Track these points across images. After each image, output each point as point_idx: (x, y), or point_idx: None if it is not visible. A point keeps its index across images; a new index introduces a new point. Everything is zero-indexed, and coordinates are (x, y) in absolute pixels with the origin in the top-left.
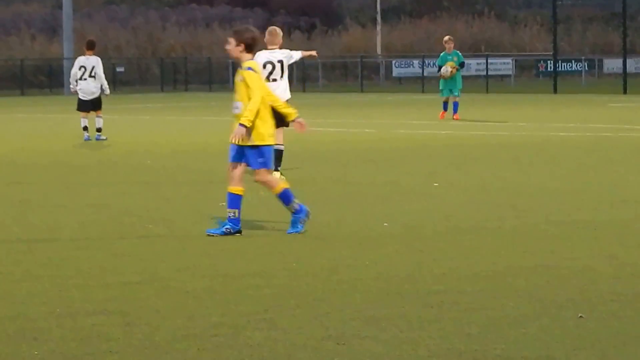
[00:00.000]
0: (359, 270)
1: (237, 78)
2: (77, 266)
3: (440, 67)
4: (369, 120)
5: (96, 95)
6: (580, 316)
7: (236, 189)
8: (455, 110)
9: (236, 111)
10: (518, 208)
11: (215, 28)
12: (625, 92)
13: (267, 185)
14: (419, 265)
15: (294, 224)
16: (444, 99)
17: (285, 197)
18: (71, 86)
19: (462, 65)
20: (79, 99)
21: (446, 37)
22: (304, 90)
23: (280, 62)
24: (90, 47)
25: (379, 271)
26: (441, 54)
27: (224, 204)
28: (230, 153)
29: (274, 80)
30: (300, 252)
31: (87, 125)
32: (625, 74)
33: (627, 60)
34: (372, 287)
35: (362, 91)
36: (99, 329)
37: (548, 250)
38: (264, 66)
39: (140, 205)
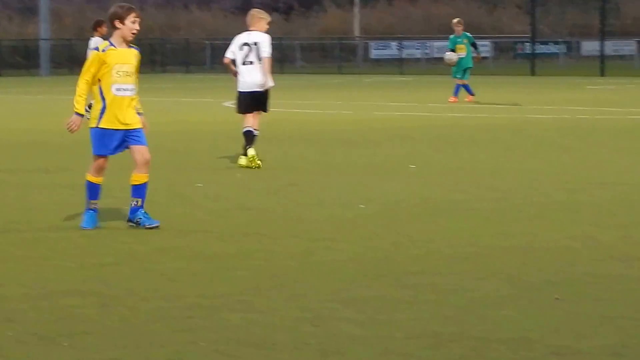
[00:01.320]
0: (336, 251)
1: (134, 60)
2: (53, 247)
3: (452, 51)
4: (346, 102)
5: None
6: (557, 298)
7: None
8: (456, 93)
9: (132, 94)
10: (496, 189)
11: (193, 9)
12: (602, 74)
13: (144, 170)
14: (395, 247)
15: (135, 213)
16: (457, 81)
17: (143, 191)
18: None
19: (474, 46)
20: None
21: (455, 20)
22: (282, 72)
23: (257, 44)
24: (93, 27)
25: (355, 252)
26: (450, 37)
27: (201, 184)
28: (113, 144)
29: (250, 62)
30: (277, 234)
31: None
32: (602, 56)
33: (605, 42)
34: (349, 269)
35: (340, 73)
36: (74, 310)
37: (526, 231)
38: (241, 48)
39: (117, 186)
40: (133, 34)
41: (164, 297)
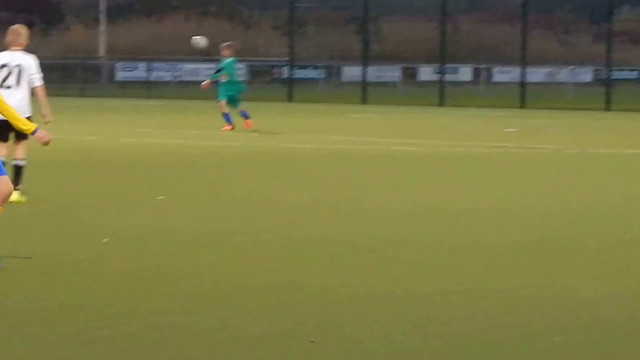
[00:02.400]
0: (75, 290)
1: None
2: None
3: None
4: (89, 127)
5: None
6: (312, 341)
7: None
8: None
9: None
10: (249, 222)
11: None
12: (365, 101)
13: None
14: (142, 284)
15: None
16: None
17: None
18: None
19: (222, 73)
20: None
21: (224, 44)
22: None
23: (19, 66)
24: None
25: (97, 290)
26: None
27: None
28: None
29: (8, 87)
30: (9, 270)
31: None
32: (364, 82)
33: (367, 68)
34: (89, 308)
35: (82, 95)
36: None
37: (281, 268)
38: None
39: None
40: None
41: None
